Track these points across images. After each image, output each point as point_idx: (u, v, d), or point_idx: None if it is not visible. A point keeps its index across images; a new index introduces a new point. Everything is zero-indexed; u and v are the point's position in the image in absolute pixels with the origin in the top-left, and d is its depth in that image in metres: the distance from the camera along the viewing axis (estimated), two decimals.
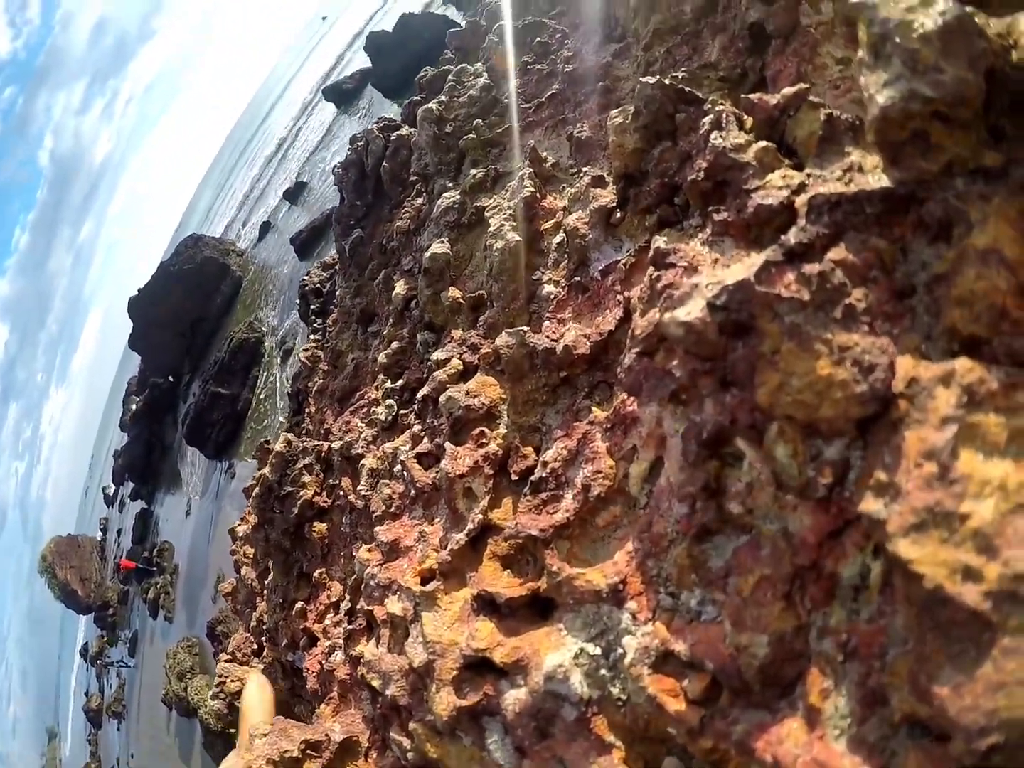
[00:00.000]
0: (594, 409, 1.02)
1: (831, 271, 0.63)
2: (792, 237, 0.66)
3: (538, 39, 2.01)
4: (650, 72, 1.52)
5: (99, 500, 50.56)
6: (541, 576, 0.99)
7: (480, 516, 1.07)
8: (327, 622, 1.66)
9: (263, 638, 2.06)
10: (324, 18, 74.93)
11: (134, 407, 41.00)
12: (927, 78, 0.60)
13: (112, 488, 47.24)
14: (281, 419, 22.15)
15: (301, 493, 1.74)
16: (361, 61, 41.72)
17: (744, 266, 0.69)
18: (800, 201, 0.69)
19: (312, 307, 4.80)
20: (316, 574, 1.74)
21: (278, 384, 24.41)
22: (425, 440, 1.33)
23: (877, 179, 0.67)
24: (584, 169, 1.46)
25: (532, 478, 1.04)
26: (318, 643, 1.66)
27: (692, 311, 0.69)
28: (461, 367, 1.33)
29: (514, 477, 1.10)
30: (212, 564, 22.54)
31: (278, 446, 1.86)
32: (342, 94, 43.86)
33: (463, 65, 2.31)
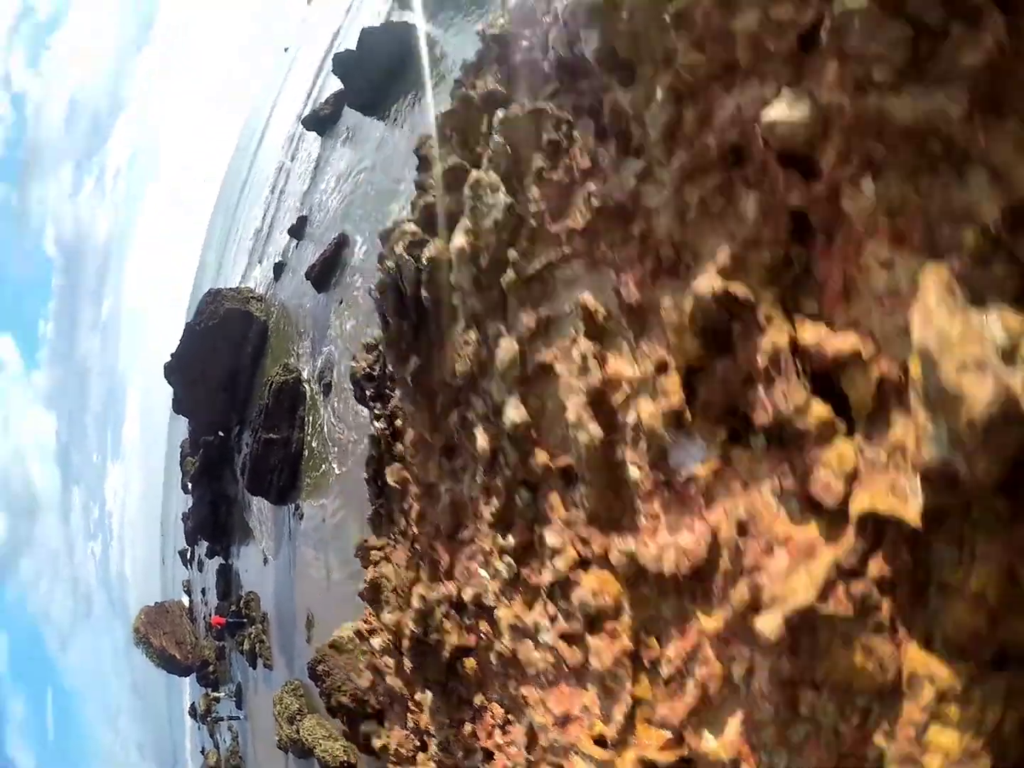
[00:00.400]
0: (699, 614, 1.30)
1: (870, 592, 0.93)
2: (844, 559, 0.94)
3: (546, 136, 2.11)
4: (686, 221, 1.64)
5: (177, 564, 51.87)
6: (682, 743, 1.30)
7: (628, 697, 1.37)
8: (498, 740, 1.95)
9: (432, 744, 2.36)
10: (286, 49, 74.60)
11: (191, 469, 41.79)
12: (965, 457, 0.84)
13: (188, 550, 48.48)
14: (333, 461, 22.35)
15: (447, 639, 2.04)
16: (334, 83, 41.36)
17: (809, 580, 0.97)
18: (853, 510, 0.96)
19: (368, 392, 5.01)
20: (476, 700, 2.04)
21: (326, 420, 24.71)
22: (561, 620, 1.62)
23: (915, 492, 0.92)
24: (643, 344, 1.66)
25: (661, 670, 1.35)
26: (494, 757, 1.96)
27: (771, 626, 1.01)
28: (577, 558, 1.61)
29: (646, 662, 1.40)
30: (299, 606, 23.18)
31: (415, 602, 2.15)
32: (321, 121, 43.38)
33: (476, 176, 2.49)
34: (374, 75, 33.90)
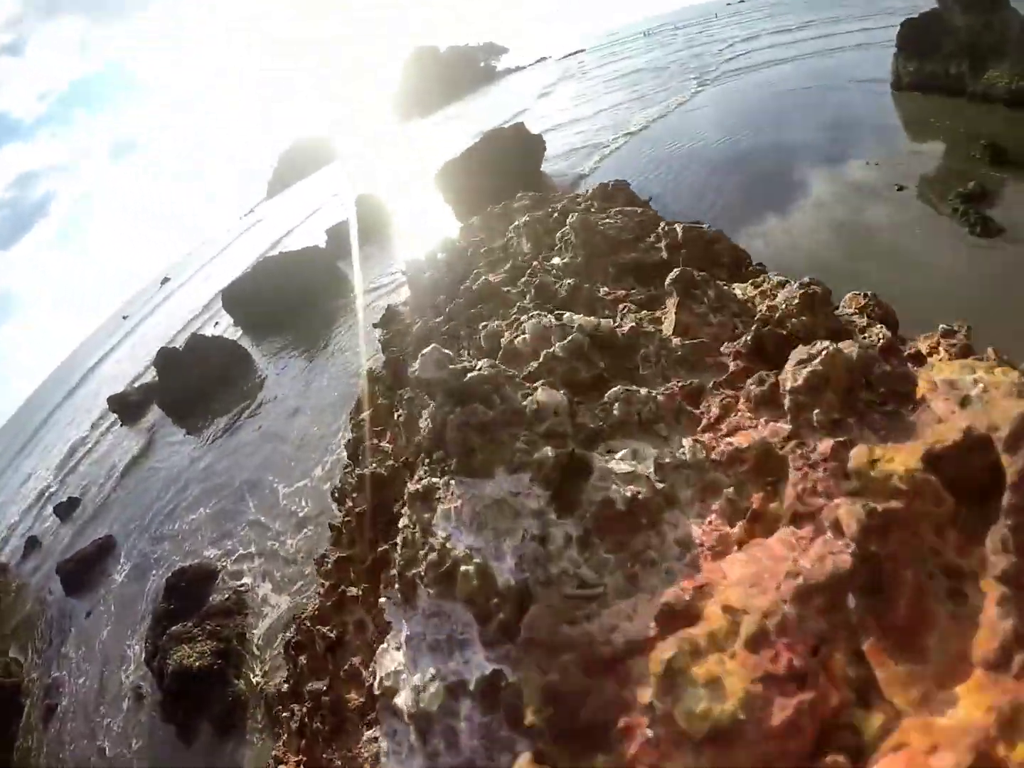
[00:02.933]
0: None
1: None
2: None
3: None
4: None
5: None
6: None
7: None
8: None
9: None
10: (125, 317, 76.83)
11: None
12: None
13: None
14: None
15: None
16: (152, 373, 42.30)
17: None
18: None
19: None
20: None
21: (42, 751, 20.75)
22: None
23: None
24: None
25: None
26: None
27: None
28: None
29: None
30: None
31: None
32: (127, 406, 43.48)
33: None
34: (192, 381, 35.49)
